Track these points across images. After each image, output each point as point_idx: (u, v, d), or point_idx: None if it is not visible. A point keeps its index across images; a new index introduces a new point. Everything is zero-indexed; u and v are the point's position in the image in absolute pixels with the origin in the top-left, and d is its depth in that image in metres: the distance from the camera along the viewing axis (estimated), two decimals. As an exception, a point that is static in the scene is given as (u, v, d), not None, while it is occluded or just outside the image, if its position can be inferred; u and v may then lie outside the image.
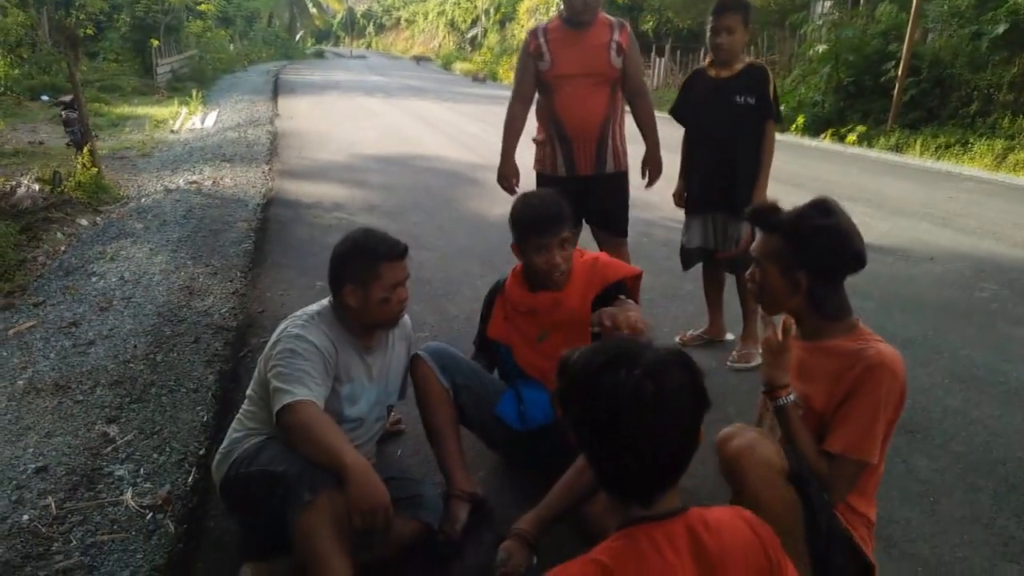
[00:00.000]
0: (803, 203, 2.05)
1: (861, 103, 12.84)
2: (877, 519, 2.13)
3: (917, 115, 11.87)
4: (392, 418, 2.99)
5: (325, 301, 2.44)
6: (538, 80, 3.66)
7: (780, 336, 1.98)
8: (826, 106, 13.23)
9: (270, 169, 9.06)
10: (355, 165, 9.47)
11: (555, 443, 2.52)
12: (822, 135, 12.74)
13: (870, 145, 11.76)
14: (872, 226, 6.55)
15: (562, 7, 3.59)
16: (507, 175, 3.83)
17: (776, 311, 2.08)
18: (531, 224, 2.58)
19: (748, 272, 2.12)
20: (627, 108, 3.73)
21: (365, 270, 2.27)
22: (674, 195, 3.90)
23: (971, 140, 10.67)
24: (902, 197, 7.93)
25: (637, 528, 1.34)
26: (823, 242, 1.97)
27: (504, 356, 2.78)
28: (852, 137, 12.09)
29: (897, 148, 11.33)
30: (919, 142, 11.15)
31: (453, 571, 2.29)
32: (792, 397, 1.94)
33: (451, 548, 2.30)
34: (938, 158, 10.58)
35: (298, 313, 2.38)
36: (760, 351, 3.59)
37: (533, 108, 3.80)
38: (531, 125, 3.81)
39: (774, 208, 2.08)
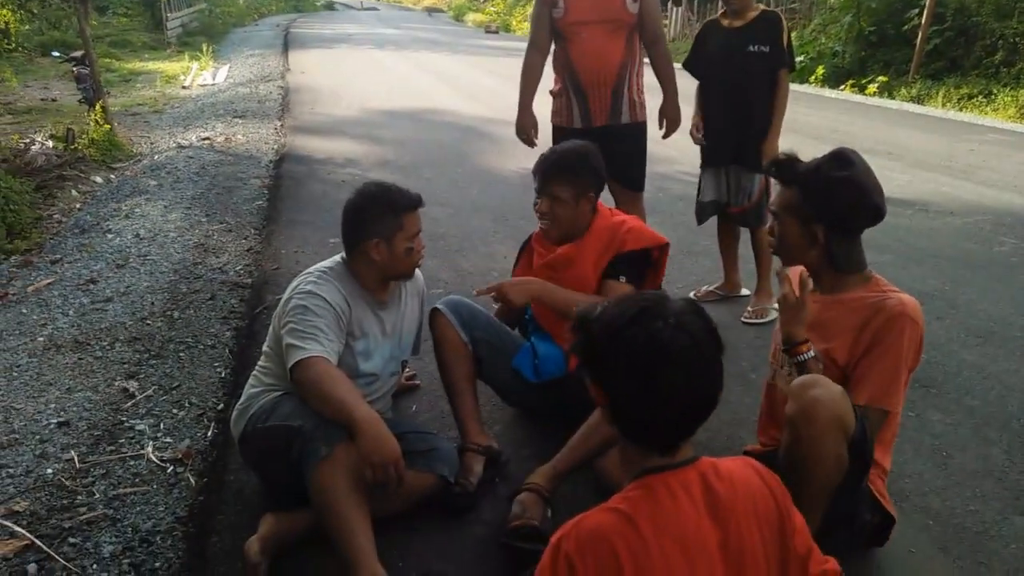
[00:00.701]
0: (822, 155, 2.03)
1: (883, 53, 12.54)
2: (890, 473, 2.14)
3: (940, 65, 11.59)
4: (406, 373, 3.01)
5: (338, 257, 2.45)
6: (553, 29, 3.60)
7: (797, 292, 1.97)
8: (847, 56, 12.94)
9: (282, 125, 9.02)
10: (367, 120, 9.40)
11: (568, 396, 2.57)
12: (842, 86, 12.48)
13: (891, 96, 11.52)
14: (891, 178, 6.45)
15: None
16: (525, 127, 3.81)
17: (794, 264, 2.07)
18: (536, 169, 2.69)
19: (767, 225, 2.10)
20: (646, 59, 3.66)
21: (389, 222, 2.29)
22: (691, 130, 3.78)
23: (995, 91, 10.42)
24: (923, 149, 7.79)
25: (654, 477, 1.36)
26: (840, 195, 1.95)
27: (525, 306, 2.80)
28: (873, 88, 11.84)
29: (919, 99, 11.09)
30: (941, 93, 10.91)
31: (468, 523, 2.32)
32: (812, 352, 1.93)
33: (466, 500, 2.33)
34: (960, 109, 10.36)
35: (311, 269, 2.39)
36: (776, 307, 3.58)
37: (550, 59, 3.74)
38: (548, 77, 3.76)
39: (793, 160, 2.04)
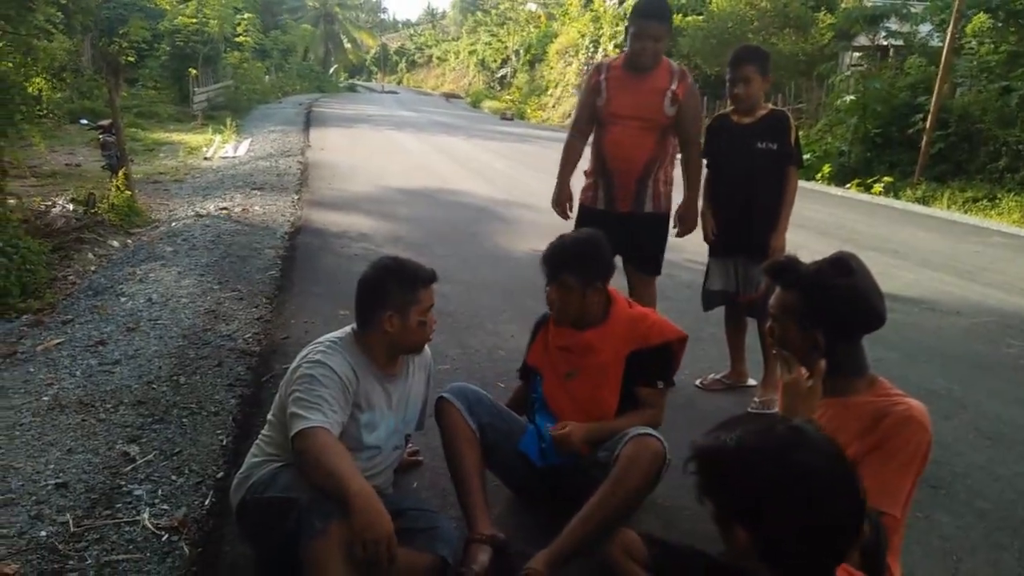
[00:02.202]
0: (823, 257, 2.06)
1: (888, 154, 12.84)
2: None
3: (945, 168, 11.84)
4: (410, 449, 2.99)
5: (347, 328, 2.47)
6: (594, 114, 3.74)
7: (804, 378, 1.97)
8: (852, 156, 13.24)
9: (299, 199, 9.20)
10: (383, 197, 9.59)
11: (572, 480, 2.56)
12: (848, 184, 12.73)
13: (896, 196, 11.73)
14: (897, 276, 6.51)
15: (626, 47, 3.68)
16: (560, 200, 3.92)
17: (793, 363, 2.07)
18: (544, 258, 2.73)
19: (767, 326, 2.12)
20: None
21: (404, 295, 2.33)
22: (704, 227, 3.86)
23: (999, 195, 10.62)
24: (928, 248, 7.88)
25: None
26: (840, 302, 1.96)
27: (535, 384, 2.83)
28: (878, 188, 12.06)
29: (924, 200, 11.28)
30: (946, 195, 11.11)
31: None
32: None
33: None
34: (965, 211, 10.52)
35: (320, 340, 2.41)
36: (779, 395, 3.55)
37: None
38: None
39: (793, 262, 2.08)
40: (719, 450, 1.37)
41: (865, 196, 11.96)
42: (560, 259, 2.66)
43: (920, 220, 9.87)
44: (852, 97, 13.64)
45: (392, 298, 2.33)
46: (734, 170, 3.71)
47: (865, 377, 2.03)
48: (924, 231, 8.98)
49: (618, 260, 3.65)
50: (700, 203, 3.85)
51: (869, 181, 12.37)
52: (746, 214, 3.66)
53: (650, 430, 2.50)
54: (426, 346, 2.57)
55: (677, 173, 3.82)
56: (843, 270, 1.99)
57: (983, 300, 6.02)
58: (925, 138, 11.87)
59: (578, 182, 3.92)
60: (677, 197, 3.83)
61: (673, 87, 3.58)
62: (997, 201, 10.50)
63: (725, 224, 3.76)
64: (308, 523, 1.97)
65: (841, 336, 2.00)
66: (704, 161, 3.85)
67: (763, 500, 1.31)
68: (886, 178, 12.19)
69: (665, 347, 2.71)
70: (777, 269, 2.08)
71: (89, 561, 2.47)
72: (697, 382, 3.96)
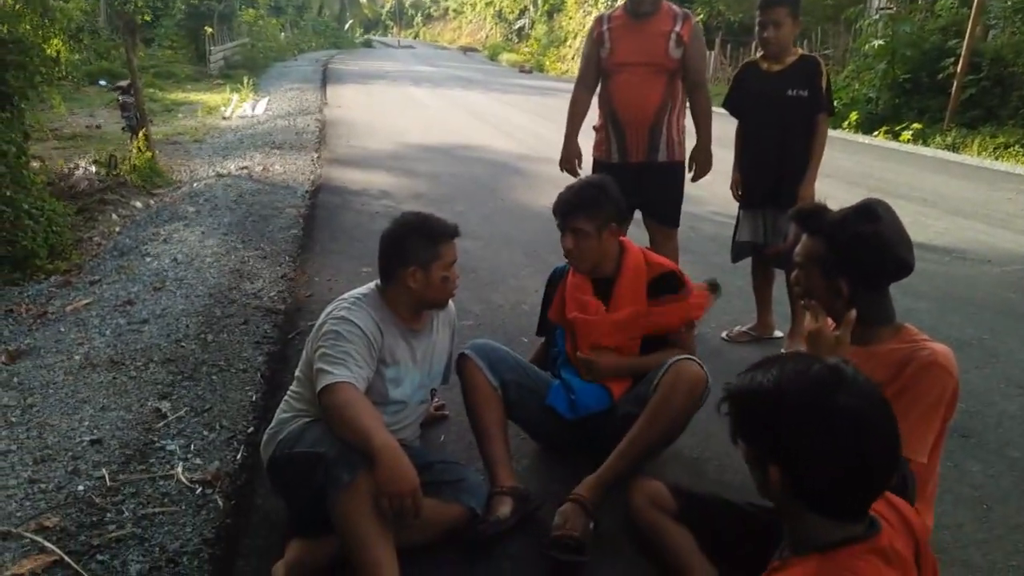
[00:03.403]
0: (851, 204, 2.01)
1: (917, 100, 12.51)
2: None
3: (976, 114, 11.52)
4: (436, 403, 3.01)
5: (371, 284, 2.47)
6: (599, 67, 3.68)
7: (831, 327, 1.94)
8: (880, 103, 12.91)
9: (318, 157, 9.17)
10: (401, 154, 9.53)
11: (603, 430, 2.58)
12: (875, 132, 12.45)
13: (925, 143, 11.46)
14: (927, 225, 6.39)
15: None
16: (569, 158, 3.88)
17: (816, 312, 2.04)
18: (554, 208, 2.72)
19: (793, 275, 2.09)
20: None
21: (426, 250, 2.32)
22: (731, 187, 3.86)
23: (1032, 140, 10.34)
24: (958, 196, 7.71)
25: (856, 547, 1.33)
26: (864, 250, 1.92)
27: (557, 338, 2.82)
28: (907, 135, 11.79)
29: (953, 147, 11.01)
30: (977, 142, 10.83)
31: (495, 557, 2.28)
32: None
33: (492, 529, 2.28)
34: (996, 158, 10.26)
35: (345, 296, 2.41)
36: (807, 340, 3.54)
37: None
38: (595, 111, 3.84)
39: (820, 209, 2.03)
40: (756, 390, 1.35)
41: (893, 144, 11.71)
42: (571, 205, 2.65)
43: (950, 167, 9.65)
44: (881, 42, 13.24)
45: (415, 253, 2.32)
46: (763, 119, 3.63)
47: (891, 325, 2.00)
48: (954, 178, 8.79)
49: (637, 215, 3.65)
50: (717, 149, 3.77)
51: (897, 128, 12.08)
52: (776, 164, 3.59)
53: (689, 356, 2.50)
54: (450, 302, 2.56)
55: (689, 124, 3.75)
56: (869, 217, 1.94)
57: (1016, 248, 5.90)
58: (956, 83, 11.53)
59: (587, 140, 3.85)
60: (690, 146, 3.76)
61: (677, 28, 3.52)
62: (1030, 147, 10.23)
63: (755, 175, 3.70)
64: (335, 476, 1.99)
65: (866, 284, 1.96)
66: (733, 121, 3.78)
67: (800, 440, 1.30)
68: (915, 125, 11.90)
69: (676, 273, 2.74)
70: (803, 216, 2.04)
71: (126, 514, 2.53)
72: (723, 334, 3.93)
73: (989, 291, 4.88)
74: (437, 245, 2.33)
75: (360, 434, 2.01)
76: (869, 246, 1.92)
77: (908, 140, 11.70)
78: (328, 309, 2.37)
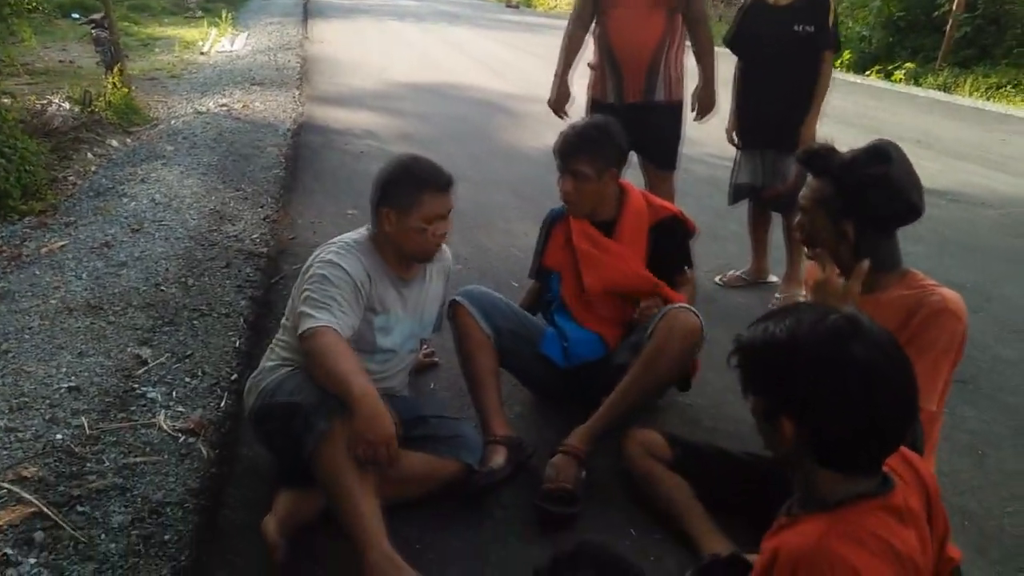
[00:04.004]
0: (859, 146, 1.92)
1: (911, 39, 12.31)
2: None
3: (969, 53, 11.36)
4: (425, 350, 2.94)
5: (363, 229, 2.36)
6: (595, 2, 3.51)
7: (837, 276, 1.87)
8: (874, 41, 12.70)
9: (300, 94, 8.92)
10: (386, 92, 9.29)
11: (596, 379, 2.52)
12: (868, 71, 12.26)
13: (917, 83, 11.30)
14: (922, 167, 6.14)
15: None
16: (559, 100, 3.74)
17: (818, 259, 1.96)
18: (555, 149, 2.62)
19: (797, 220, 2.00)
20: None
21: (407, 195, 2.19)
22: (726, 131, 3.75)
23: (1025, 80, 10.22)
24: (953, 138, 7.62)
25: (871, 502, 1.28)
26: (873, 193, 1.84)
27: (551, 284, 2.75)
28: (899, 75, 11.62)
29: (946, 87, 10.87)
30: (969, 82, 10.69)
31: (488, 507, 2.25)
32: None
33: (485, 479, 2.23)
34: (989, 99, 10.14)
35: (335, 240, 2.31)
36: (809, 294, 3.49)
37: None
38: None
39: (827, 151, 1.93)
40: (770, 341, 1.28)
41: (885, 84, 11.54)
42: (572, 147, 2.55)
43: (943, 108, 9.53)
44: (876, -22, 12.96)
45: (395, 194, 2.20)
46: (768, 55, 3.49)
47: (897, 271, 1.93)
48: (948, 119, 8.68)
49: (632, 157, 3.53)
50: (719, 88, 3.64)
51: (890, 68, 11.90)
52: (778, 104, 3.47)
53: (684, 304, 2.44)
54: (446, 250, 2.46)
55: (688, 63, 3.59)
56: (880, 158, 1.86)
57: (1012, 191, 5.85)
58: (951, 21, 11.33)
59: (580, 79, 3.70)
60: (689, 85, 3.62)
61: None
62: (1022, 87, 10.09)
63: (756, 115, 3.58)
64: (311, 424, 1.93)
65: (875, 229, 1.89)
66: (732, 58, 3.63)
67: (816, 391, 1.24)
68: (908, 64, 11.72)
69: (679, 218, 2.68)
70: (810, 156, 1.95)
71: (107, 464, 2.45)
72: (717, 279, 3.87)
73: (985, 234, 4.83)
74: (420, 192, 2.19)
75: (338, 381, 1.93)
76: (879, 188, 1.83)
77: (900, 80, 11.54)
78: (316, 252, 2.27)
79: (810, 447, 1.28)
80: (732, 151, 3.79)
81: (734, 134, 3.70)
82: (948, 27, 11.38)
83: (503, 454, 2.30)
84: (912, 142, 7.23)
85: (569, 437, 2.29)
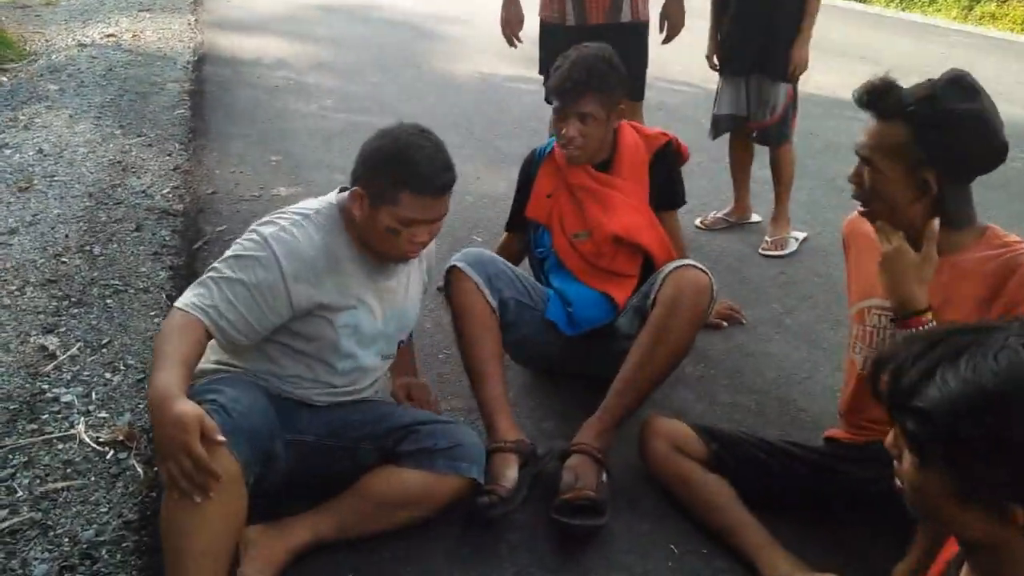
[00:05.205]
0: (929, 80, 1.59)
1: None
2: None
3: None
4: (421, 384, 2.25)
5: (332, 196, 1.88)
6: None
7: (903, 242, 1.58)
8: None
9: (197, 20, 8.07)
10: (295, 15, 8.51)
11: (603, 346, 2.22)
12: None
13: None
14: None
15: None
16: (510, 21, 3.32)
17: (886, 220, 1.64)
18: (555, 87, 2.26)
19: (852, 173, 1.67)
20: None
21: (386, 187, 1.69)
22: (706, 57, 3.40)
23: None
24: (896, 53, 7.48)
25: None
26: (964, 133, 1.53)
27: (540, 239, 2.39)
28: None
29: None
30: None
31: (501, 529, 1.89)
32: (932, 323, 1.54)
33: (500, 509, 1.84)
34: (903, 8, 10.07)
35: (298, 205, 1.84)
36: (796, 236, 3.23)
37: None
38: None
39: (890, 85, 1.59)
40: (968, 400, 0.88)
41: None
42: (580, 84, 2.18)
43: (869, 20, 9.44)
44: None
45: (373, 178, 1.71)
46: None
47: (975, 228, 1.65)
48: (881, 32, 8.60)
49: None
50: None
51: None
52: (764, 22, 3.14)
53: (688, 260, 2.14)
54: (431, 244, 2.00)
55: None
56: (967, 92, 1.55)
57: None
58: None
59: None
60: (653, 4, 3.25)
61: None
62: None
63: (739, 36, 3.24)
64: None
65: (958, 178, 1.60)
66: None
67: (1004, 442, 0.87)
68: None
69: (673, 145, 2.40)
70: (873, 96, 1.61)
71: (20, 493, 2.01)
72: (697, 221, 3.57)
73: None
74: (401, 188, 1.68)
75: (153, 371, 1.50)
76: (971, 128, 1.53)
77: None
78: (267, 217, 1.81)
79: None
80: (703, 77, 3.47)
81: (714, 58, 3.36)
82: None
83: (514, 465, 1.92)
84: (857, 59, 7.07)
85: (581, 433, 1.96)
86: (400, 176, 1.68)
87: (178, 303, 1.63)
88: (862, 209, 1.69)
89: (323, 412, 1.86)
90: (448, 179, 1.72)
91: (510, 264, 2.30)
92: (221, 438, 1.39)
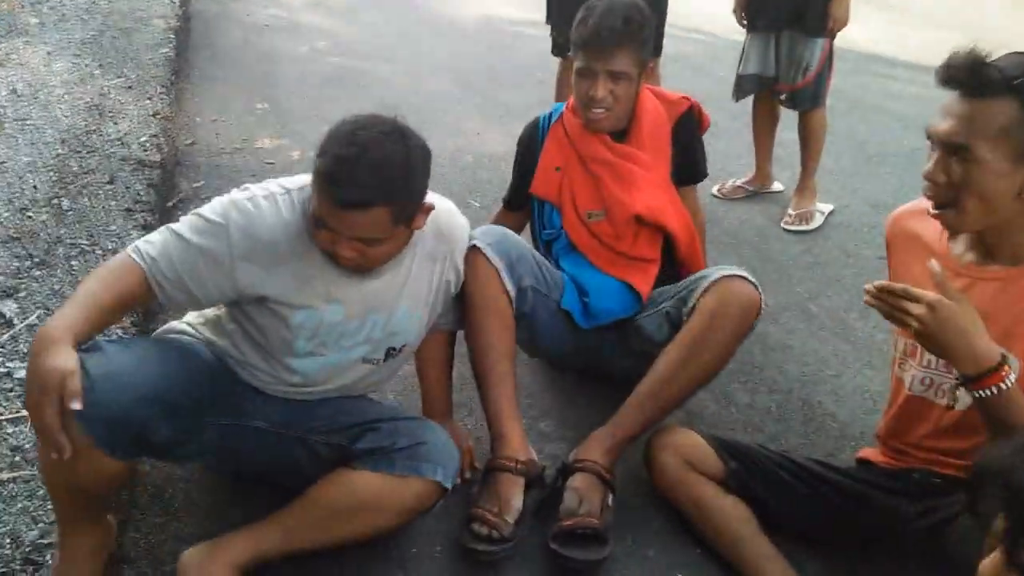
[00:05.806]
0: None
1: None
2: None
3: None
4: (461, 431, 2.04)
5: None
6: None
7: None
8: None
9: (187, -49, 7.71)
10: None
11: (619, 343, 2.03)
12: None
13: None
14: (903, 39, 5.80)
15: None
16: None
17: (971, 222, 1.38)
18: (581, 40, 1.99)
19: (931, 168, 1.37)
20: None
21: (315, 184, 1.46)
22: (733, 11, 3.13)
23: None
24: (926, 3, 7.11)
25: None
26: None
27: (548, 219, 2.15)
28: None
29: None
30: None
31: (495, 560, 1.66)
32: (1014, 376, 1.27)
33: (501, 552, 1.62)
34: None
35: (291, 179, 1.62)
36: (823, 209, 2.98)
37: None
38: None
39: (979, 61, 1.32)
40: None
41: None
42: (613, 38, 1.93)
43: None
44: None
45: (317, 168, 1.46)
46: None
47: None
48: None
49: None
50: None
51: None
52: None
53: (737, 270, 1.89)
54: (462, 228, 1.79)
55: None
56: None
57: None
58: None
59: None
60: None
61: None
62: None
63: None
64: None
65: None
66: None
67: None
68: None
69: (694, 111, 2.18)
70: (967, 73, 1.32)
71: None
72: (714, 189, 3.33)
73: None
74: (316, 180, 1.45)
75: None
76: None
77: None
78: (243, 187, 1.60)
79: None
80: (726, 27, 3.21)
81: (742, 13, 3.07)
82: None
83: (521, 492, 1.68)
84: (881, 6, 6.71)
85: (586, 447, 1.74)
86: (320, 169, 1.44)
87: (131, 245, 1.56)
88: (938, 211, 1.41)
89: (279, 399, 1.71)
90: (350, 197, 1.40)
91: (529, 247, 2.04)
92: (76, 406, 1.26)
